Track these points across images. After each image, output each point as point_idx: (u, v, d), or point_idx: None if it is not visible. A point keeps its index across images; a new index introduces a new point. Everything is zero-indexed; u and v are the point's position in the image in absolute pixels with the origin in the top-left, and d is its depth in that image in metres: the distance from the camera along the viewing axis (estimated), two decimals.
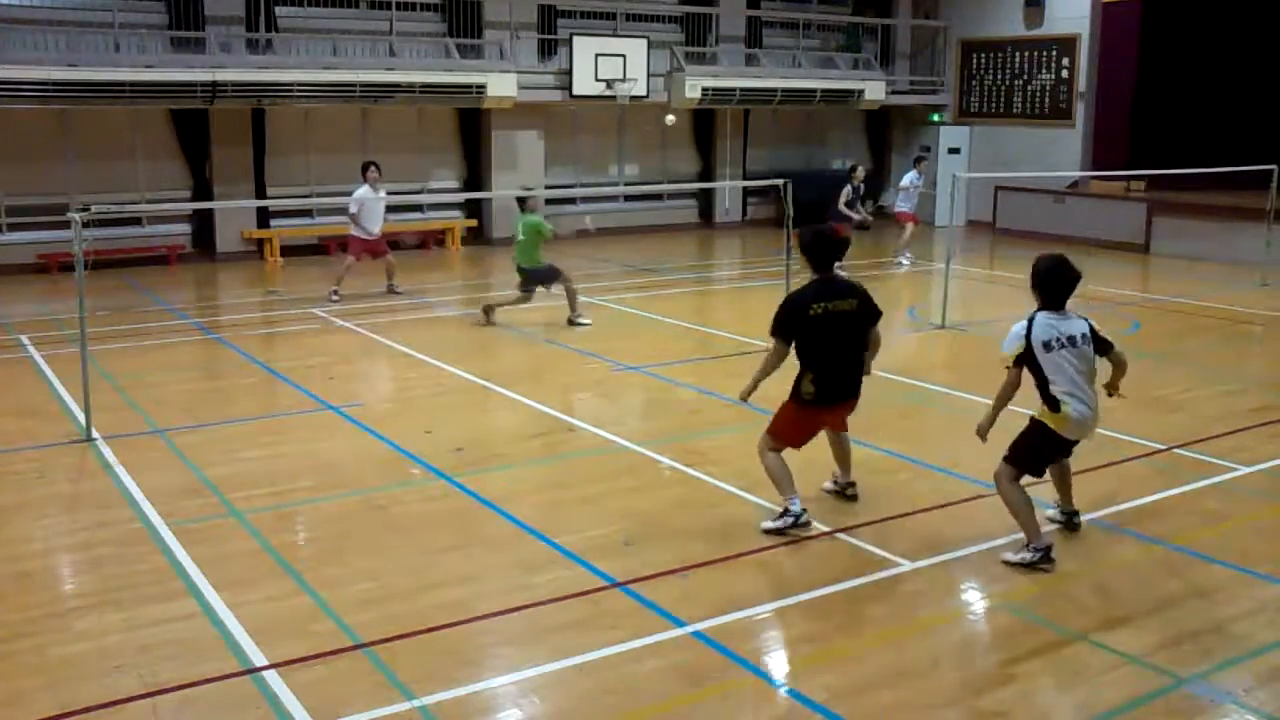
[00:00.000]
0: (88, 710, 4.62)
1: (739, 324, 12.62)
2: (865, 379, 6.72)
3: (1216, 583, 5.91)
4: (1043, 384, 6.07)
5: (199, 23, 16.67)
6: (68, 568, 6.24)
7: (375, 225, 14.42)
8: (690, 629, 5.33)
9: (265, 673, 4.92)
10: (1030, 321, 6.11)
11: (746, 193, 22.65)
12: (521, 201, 12.94)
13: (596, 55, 19.09)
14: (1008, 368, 6.15)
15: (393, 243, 15.89)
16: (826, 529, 6.58)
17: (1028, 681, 4.91)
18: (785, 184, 11.25)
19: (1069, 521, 6.60)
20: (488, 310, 12.80)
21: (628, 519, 6.75)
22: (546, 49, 19.78)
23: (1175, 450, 8.13)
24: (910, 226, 17.37)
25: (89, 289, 8.50)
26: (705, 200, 22.72)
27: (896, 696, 4.78)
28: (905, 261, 17.22)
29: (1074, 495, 6.63)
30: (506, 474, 7.76)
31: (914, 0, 23.88)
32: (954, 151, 22.88)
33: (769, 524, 6.51)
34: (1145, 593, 5.78)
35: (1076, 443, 6.25)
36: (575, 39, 19.01)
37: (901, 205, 17.58)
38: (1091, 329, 6.15)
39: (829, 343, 6.42)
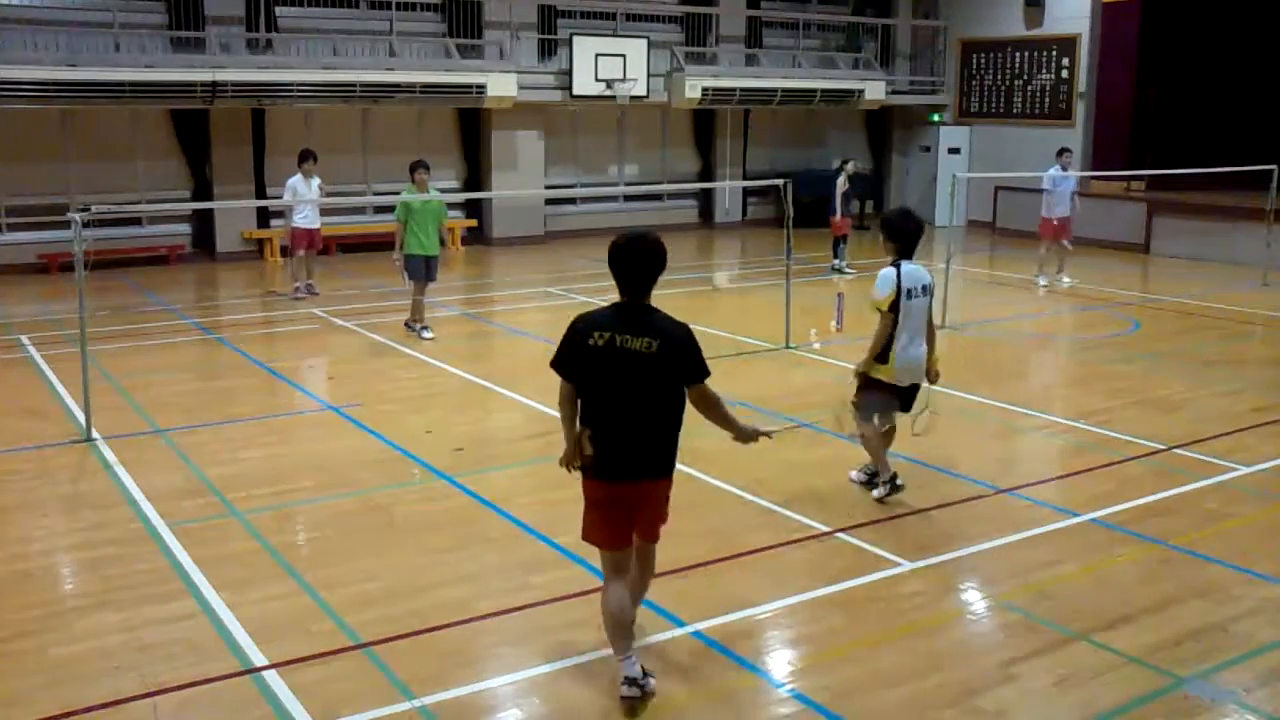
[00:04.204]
0: (88, 710, 4.62)
1: (739, 324, 12.61)
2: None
3: (1216, 583, 5.90)
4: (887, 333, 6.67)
5: (199, 23, 16.67)
6: (68, 568, 6.24)
7: (302, 217, 14.05)
8: (690, 629, 5.32)
9: (265, 673, 4.92)
10: (898, 268, 6.64)
11: (746, 193, 22.65)
12: (427, 168, 11.82)
13: (596, 55, 19.08)
14: (881, 313, 6.65)
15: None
16: (826, 529, 6.58)
17: (1028, 681, 4.91)
18: (785, 184, 11.25)
19: (870, 482, 7.07)
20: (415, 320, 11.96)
21: None
22: (546, 49, 19.78)
23: (1175, 450, 8.13)
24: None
25: (89, 289, 8.49)
26: (705, 200, 22.71)
27: (896, 696, 4.78)
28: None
29: (891, 462, 6.97)
30: (506, 474, 7.76)
31: (914, 0, 23.88)
32: (954, 151, 22.88)
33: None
34: (1145, 593, 5.78)
35: (912, 391, 6.88)
36: (575, 39, 19.01)
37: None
38: (933, 283, 6.96)
39: (608, 390, 4.63)
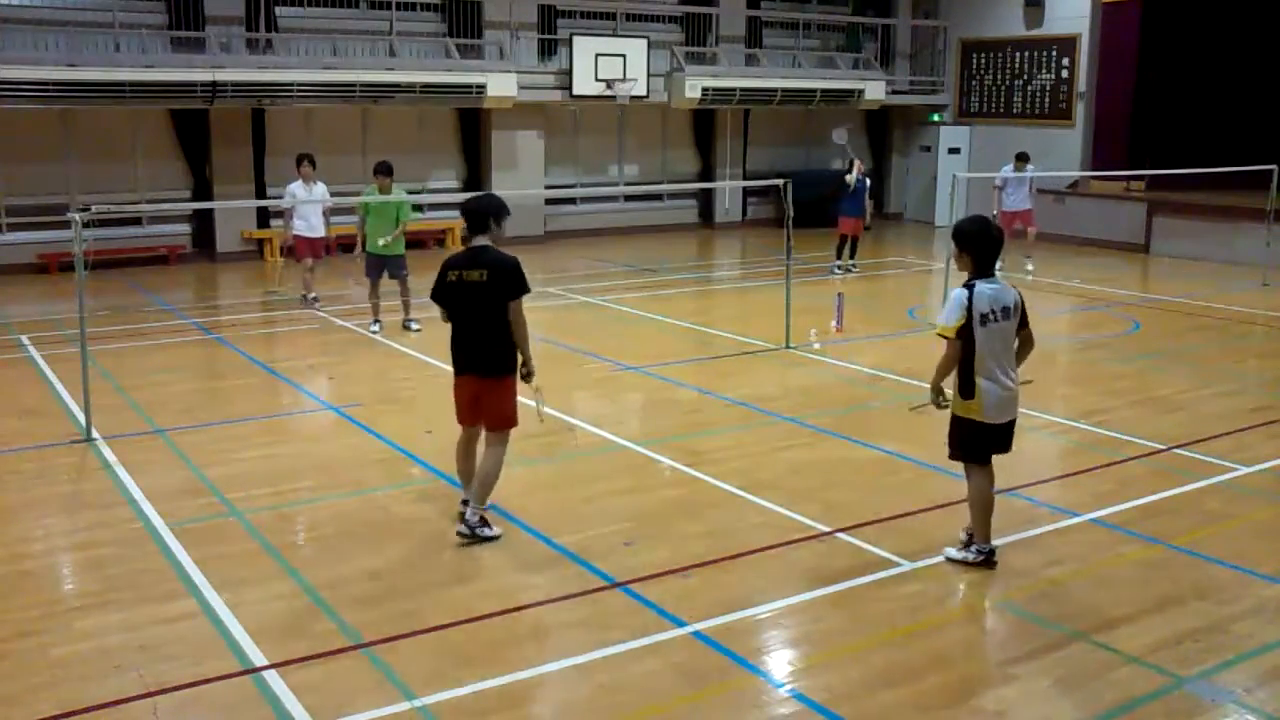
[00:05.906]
0: (88, 710, 4.62)
1: (739, 324, 12.61)
2: None
3: (1216, 583, 5.90)
4: (967, 364, 5.82)
5: (199, 23, 16.68)
6: (68, 568, 6.24)
7: (303, 224, 13.82)
8: (690, 629, 5.32)
9: (265, 673, 4.92)
10: (970, 290, 5.79)
11: (746, 193, 22.64)
12: (388, 171, 11.93)
13: (596, 55, 19.09)
14: (947, 339, 5.80)
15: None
16: (826, 529, 6.58)
17: (1028, 681, 4.91)
18: (785, 184, 11.24)
19: (987, 560, 6.05)
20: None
21: (628, 519, 6.75)
22: (546, 49, 19.79)
23: (1175, 450, 8.13)
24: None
25: (89, 289, 8.50)
26: (705, 200, 22.71)
27: (896, 696, 4.78)
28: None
29: (993, 528, 6.12)
30: (507, 474, 7.70)
31: (914, 0, 23.88)
32: (954, 151, 22.87)
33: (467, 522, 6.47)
34: (1145, 593, 5.78)
35: (1010, 427, 5.98)
36: (575, 39, 19.01)
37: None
38: (1021, 300, 5.95)
39: (458, 311, 6.38)
